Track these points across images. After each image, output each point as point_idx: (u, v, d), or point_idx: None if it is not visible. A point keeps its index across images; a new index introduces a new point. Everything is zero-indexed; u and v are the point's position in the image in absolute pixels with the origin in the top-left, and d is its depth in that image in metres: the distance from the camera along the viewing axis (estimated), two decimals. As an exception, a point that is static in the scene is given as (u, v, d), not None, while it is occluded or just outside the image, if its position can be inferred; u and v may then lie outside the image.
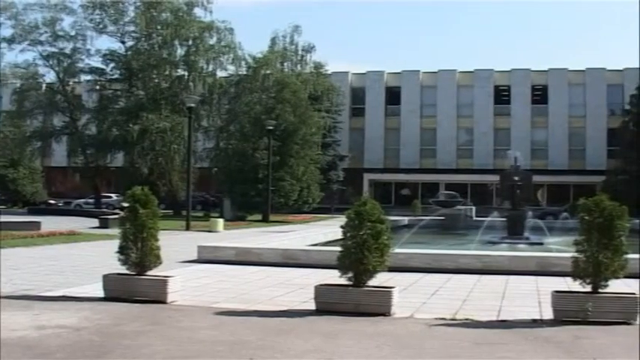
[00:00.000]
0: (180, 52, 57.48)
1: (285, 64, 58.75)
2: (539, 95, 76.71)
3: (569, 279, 11.39)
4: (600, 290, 10.89)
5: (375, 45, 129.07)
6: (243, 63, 56.42)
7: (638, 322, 10.58)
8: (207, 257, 19.51)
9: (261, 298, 12.84)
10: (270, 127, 47.98)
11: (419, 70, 78.81)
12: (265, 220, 47.33)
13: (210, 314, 11.13)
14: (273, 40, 58.00)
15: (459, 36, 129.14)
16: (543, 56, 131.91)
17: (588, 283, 10.91)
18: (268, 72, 54.49)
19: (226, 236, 29.60)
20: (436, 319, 10.98)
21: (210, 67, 57.24)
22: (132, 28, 57.41)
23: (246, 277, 16.01)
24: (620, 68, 73.80)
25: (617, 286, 11.25)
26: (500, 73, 77.43)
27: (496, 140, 76.41)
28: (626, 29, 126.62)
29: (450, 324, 10.68)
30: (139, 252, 12.05)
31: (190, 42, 56.06)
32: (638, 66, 62.33)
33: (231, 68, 57.68)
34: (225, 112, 57.52)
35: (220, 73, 58.24)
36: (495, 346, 9.23)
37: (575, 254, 10.99)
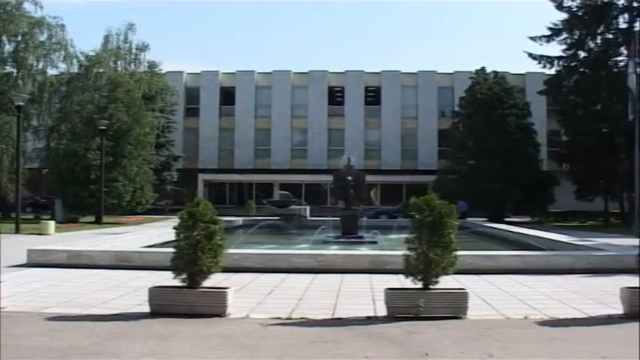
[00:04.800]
0: (8, 48, 55.21)
1: (119, 62, 57.56)
2: (373, 96, 78.12)
3: (401, 276, 11.69)
4: (431, 286, 11.28)
5: (209, 45, 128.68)
6: (75, 61, 54.86)
7: (467, 316, 11.05)
8: (38, 261, 18.90)
9: (95, 302, 12.60)
10: (103, 127, 46.98)
11: (253, 71, 78.87)
12: (98, 222, 46.30)
13: (41, 320, 10.82)
14: (107, 38, 56.74)
15: (294, 37, 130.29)
16: (376, 58, 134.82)
17: (420, 280, 11.27)
18: (101, 70, 53.27)
19: (58, 239, 28.78)
20: (272, 318, 11.08)
21: (41, 65, 55.29)
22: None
23: (78, 281, 15.65)
24: (451, 71, 76.33)
25: (448, 282, 11.69)
26: (335, 74, 78.43)
27: (330, 140, 77.41)
28: (457, 34, 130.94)
29: (286, 323, 10.81)
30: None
31: (19, 38, 53.90)
32: (467, 69, 64.54)
33: (63, 66, 55.97)
34: (56, 111, 55.83)
35: (51, 71, 56.36)
36: (330, 343, 9.41)
37: (407, 252, 11.33)
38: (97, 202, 47.33)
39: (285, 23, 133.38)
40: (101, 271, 17.29)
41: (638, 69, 41.73)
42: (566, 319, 11.30)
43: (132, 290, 14.12)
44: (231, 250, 15.14)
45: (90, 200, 48.09)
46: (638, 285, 11.46)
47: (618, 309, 11.67)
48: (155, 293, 11.48)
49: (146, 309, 11.43)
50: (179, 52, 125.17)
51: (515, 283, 15.80)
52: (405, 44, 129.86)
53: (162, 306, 11.24)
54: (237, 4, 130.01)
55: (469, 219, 42.78)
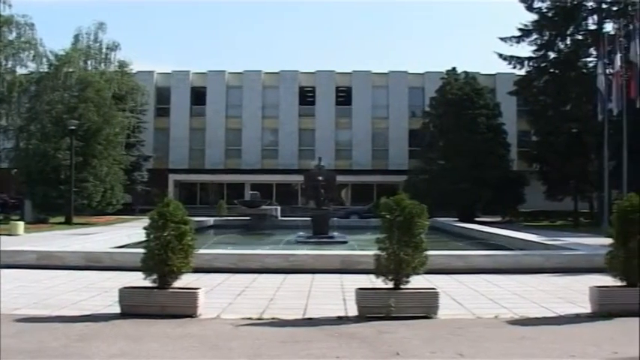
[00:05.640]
0: (-25, 47, 54.85)
1: (89, 62, 56.98)
2: (344, 96, 78.12)
3: (372, 276, 11.73)
4: (402, 286, 11.32)
5: (180, 45, 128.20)
6: (44, 60, 54.24)
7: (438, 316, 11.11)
8: (7, 262, 18.67)
9: (65, 303, 12.53)
10: (73, 127, 46.66)
11: (224, 71, 78.66)
12: (68, 222, 46.00)
13: (10, 321, 10.71)
14: (77, 37, 56.15)
15: (265, 37, 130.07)
16: (347, 58, 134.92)
17: (390, 280, 11.30)
18: (71, 70, 52.80)
19: (27, 239, 28.55)
20: (243, 319, 11.08)
21: (10, 64, 54.71)
22: None
23: (48, 282, 15.55)
24: (421, 72, 76.52)
25: (419, 281, 11.73)
26: (305, 74, 78.37)
27: (301, 141, 77.38)
28: (427, 34, 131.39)
29: (257, 323, 10.81)
30: None
31: (-13, 37, 53.56)
32: (438, 70, 64.77)
33: (32, 65, 55.27)
34: (26, 111, 55.27)
35: (20, 70, 55.74)
36: (301, 343, 9.42)
37: (378, 252, 11.36)
38: (66, 203, 47.04)
39: (256, 23, 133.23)
40: (71, 272, 17.20)
41: (607, 70, 42.09)
42: (536, 318, 11.39)
43: (102, 291, 14.05)
44: (202, 251, 15.12)
45: (60, 201, 47.77)
46: (606, 284, 11.61)
47: (587, 308, 11.79)
48: (126, 294, 11.43)
49: (117, 310, 11.38)
50: (150, 52, 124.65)
51: (486, 282, 15.89)
52: (375, 44, 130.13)
53: (133, 307, 11.20)
54: (207, 3, 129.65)
55: (439, 219, 42.89)
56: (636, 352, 8.87)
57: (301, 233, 31.74)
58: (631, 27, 38.78)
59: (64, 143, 48.32)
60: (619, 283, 11.73)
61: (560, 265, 18.41)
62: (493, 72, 71.65)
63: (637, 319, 10.92)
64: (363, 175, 73.76)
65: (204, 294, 11.61)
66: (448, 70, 61.17)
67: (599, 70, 42.28)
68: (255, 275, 16.72)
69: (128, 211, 58.13)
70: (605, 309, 11.36)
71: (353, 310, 11.45)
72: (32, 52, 53.88)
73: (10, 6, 53.75)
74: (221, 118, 77.58)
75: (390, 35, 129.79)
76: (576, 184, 49.69)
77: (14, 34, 53.83)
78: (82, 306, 12.30)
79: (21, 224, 36.21)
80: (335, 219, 37.36)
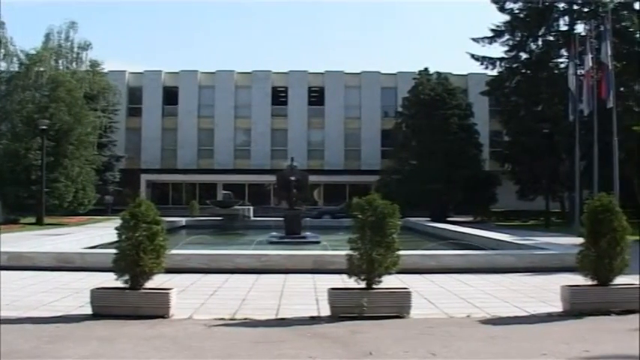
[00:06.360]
0: (-55, 45, 54.31)
1: (60, 61, 56.72)
2: (316, 97, 78.16)
3: (345, 276, 11.72)
4: (374, 286, 11.33)
5: (152, 44, 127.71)
6: (15, 59, 53.88)
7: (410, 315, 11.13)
8: (-24, 263, 18.61)
9: (36, 304, 12.41)
10: (44, 127, 46.29)
11: (197, 71, 78.47)
12: (40, 223, 45.66)
13: (-20, 323, 10.64)
14: (48, 37, 55.80)
15: (237, 37, 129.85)
16: (320, 59, 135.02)
17: (363, 280, 11.31)
18: (42, 69, 52.42)
19: (-3, 240, 28.37)
20: (215, 319, 11.04)
21: (-20, 63, 54.44)
22: None
23: (19, 283, 15.40)
24: (394, 72, 76.67)
25: (391, 281, 11.75)
26: (278, 74, 78.33)
27: (273, 141, 77.30)
28: (400, 34, 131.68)
29: (230, 324, 10.78)
30: None
31: (-43, 35, 53.04)
32: (410, 70, 64.91)
33: (3, 64, 54.90)
34: (-4, 110, 55.01)
35: (-10, 70, 55.52)
36: (274, 344, 9.40)
37: (350, 252, 11.37)
38: (38, 203, 46.76)
39: (228, 23, 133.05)
40: (42, 273, 17.05)
41: (578, 70, 42.41)
42: (508, 317, 11.44)
43: (73, 292, 13.94)
44: (174, 251, 15.07)
45: (31, 201, 47.48)
46: (578, 283, 11.68)
47: (558, 307, 11.84)
48: (97, 295, 11.36)
49: (88, 311, 11.30)
50: (122, 52, 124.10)
51: (459, 282, 15.94)
52: (348, 44, 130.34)
53: (105, 308, 11.12)
54: (179, 3, 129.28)
55: (412, 219, 42.97)
56: (606, 351, 8.96)
57: (274, 233, 31.70)
58: (601, 28, 39.00)
59: (35, 143, 47.96)
60: (590, 282, 11.80)
61: (532, 264, 18.51)
62: (465, 72, 72.08)
63: (607, 317, 11.06)
64: (336, 175, 73.79)
65: (176, 294, 11.56)
66: (421, 71, 61.33)
67: (570, 71, 42.66)
68: (228, 275, 16.67)
69: (100, 211, 57.76)
70: (576, 308, 11.43)
71: (326, 310, 11.44)
72: (2, 51, 53.46)
73: (-22, 5, 53.35)
74: (193, 118, 77.36)
75: (362, 36, 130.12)
76: (548, 184, 49.97)
77: (-16, 33, 53.42)
78: (53, 307, 12.20)
79: (-9, 225, 35.93)
80: (307, 219, 37.38)
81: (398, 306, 11.26)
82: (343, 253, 11.94)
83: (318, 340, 9.63)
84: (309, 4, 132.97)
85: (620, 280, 11.91)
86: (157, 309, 11.09)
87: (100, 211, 57.72)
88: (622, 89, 47.53)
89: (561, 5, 55.37)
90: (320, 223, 44.49)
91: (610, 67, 36.16)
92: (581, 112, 40.92)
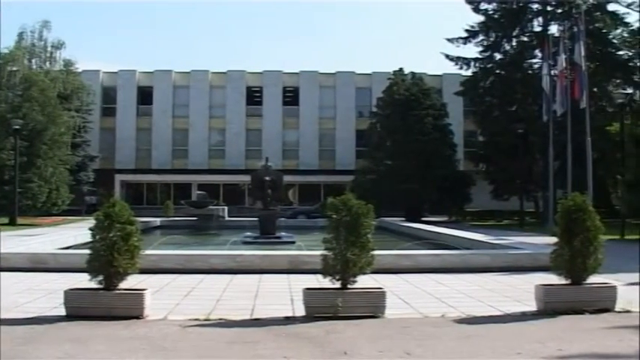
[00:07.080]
0: None
1: (33, 60, 56.39)
2: (291, 97, 78.06)
3: (320, 276, 11.72)
4: (349, 286, 11.35)
5: (127, 44, 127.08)
6: (-13, 59, 53.66)
7: (385, 315, 11.14)
8: (-52, 264, 18.42)
9: (8, 306, 12.27)
10: (17, 127, 46.00)
11: (171, 70, 78.18)
12: (13, 224, 45.32)
13: (-48, 325, 10.53)
14: (21, 36, 55.43)
15: (212, 37, 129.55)
16: (295, 59, 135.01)
17: (337, 280, 11.33)
18: (15, 69, 52.07)
19: (-31, 241, 28.13)
20: (190, 320, 11.00)
21: (-49, 62, 53.96)
22: None
23: (-9, 284, 15.31)
24: (369, 72, 76.73)
25: (366, 281, 11.77)
26: (253, 74, 78.18)
27: (248, 141, 77.15)
28: (375, 34, 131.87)
29: (204, 324, 10.75)
30: None
31: None
32: (385, 70, 65.06)
33: (-25, 64, 54.72)
34: (-32, 110, 54.56)
35: (-37, 69, 55.04)
36: (249, 344, 9.39)
37: (325, 252, 11.38)
38: (10, 204, 46.44)
39: (203, 23, 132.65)
40: (15, 274, 16.89)
41: (551, 71, 42.65)
42: (483, 317, 11.48)
43: (47, 293, 13.85)
44: (148, 252, 14.99)
45: (3, 201, 47.19)
46: (551, 282, 11.74)
47: (532, 306, 11.90)
48: (71, 296, 11.29)
49: (62, 312, 11.22)
50: (96, 51, 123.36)
51: (433, 281, 15.98)
52: (323, 44, 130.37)
53: (79, 309, 11.05)
54: (154, 3, 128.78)
55: (386, 219, 43.01)
56: (580, 349, 9.02)
57: (248, 233, 31.66)
58: (575, 29, 39.32)
59: (8, 143, 47.67)
60: (564, 282, 11.87)
61: (506, 264, 18.58)
62: (440, 73, 72.26)
63: (580, 316, 11.15)
64: (311, 175, 73.77)
65: (150, 295, 11.52)
66: (395, 71, 61.51)
67: (544, 72, 42.85)
68: (203, 276, 16.62)
69: (74, 212, 57.43)
70: (550, 307, 11.49)
71: (300, 310, 11.43)
72: (-26, 50, 53.04)
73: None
74: (168, 117, 77.07)
75: (337, 35, 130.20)
76: (522, 184, 50.29)
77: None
78: (27, 308, 12.11)
79: (-36, 226, 35.64)
80: (282, 219, 37.40)
81: (373, 306, 11.27)
82: (318, 253, 11.93)
83: (293, 340, 9.63)
84: (284, 4, 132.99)
85: (593, 279, 12.01)
86: (131, 310, 11.04)
87: (75, 211, 57.40)
88: (595, 90, 47.97)
89: (535, 6, 55.72)
90: (295, 223, 44.48)
91: (583, 68, 36.38)
92: (554, 112, 41.08)
